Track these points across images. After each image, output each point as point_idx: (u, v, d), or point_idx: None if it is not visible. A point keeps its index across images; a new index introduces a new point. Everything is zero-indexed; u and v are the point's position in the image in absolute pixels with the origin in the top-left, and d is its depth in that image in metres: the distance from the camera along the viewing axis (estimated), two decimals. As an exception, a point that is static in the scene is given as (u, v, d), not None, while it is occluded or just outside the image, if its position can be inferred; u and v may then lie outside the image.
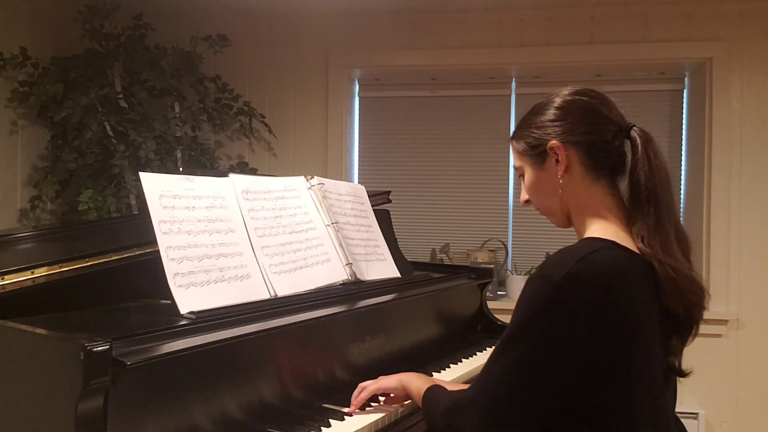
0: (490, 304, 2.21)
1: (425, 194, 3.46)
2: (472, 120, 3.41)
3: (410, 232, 3.40)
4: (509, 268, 3.33)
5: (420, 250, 3.39)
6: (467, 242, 3.40)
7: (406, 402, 1.37)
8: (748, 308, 3.00)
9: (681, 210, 3.24)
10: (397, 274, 1.85)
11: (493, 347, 1.08)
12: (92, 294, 1.37)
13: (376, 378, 1.38)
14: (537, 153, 1.16)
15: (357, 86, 3.52)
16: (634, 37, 3.11)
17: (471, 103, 3.42)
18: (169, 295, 1.23)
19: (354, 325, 1.52)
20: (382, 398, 1.41)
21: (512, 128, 1.27)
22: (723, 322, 3.00)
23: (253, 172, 3.20)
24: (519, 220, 3.35)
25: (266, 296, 1.40)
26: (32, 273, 1.23)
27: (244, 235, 1.44)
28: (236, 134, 3.43)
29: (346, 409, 1.33)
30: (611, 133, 1.13)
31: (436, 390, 1.24)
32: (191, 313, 1.22)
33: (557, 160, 1.14)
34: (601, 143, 1.12)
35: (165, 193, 1.33)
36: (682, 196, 3.25)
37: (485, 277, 2.17)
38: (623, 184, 1.14)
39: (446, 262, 3.26)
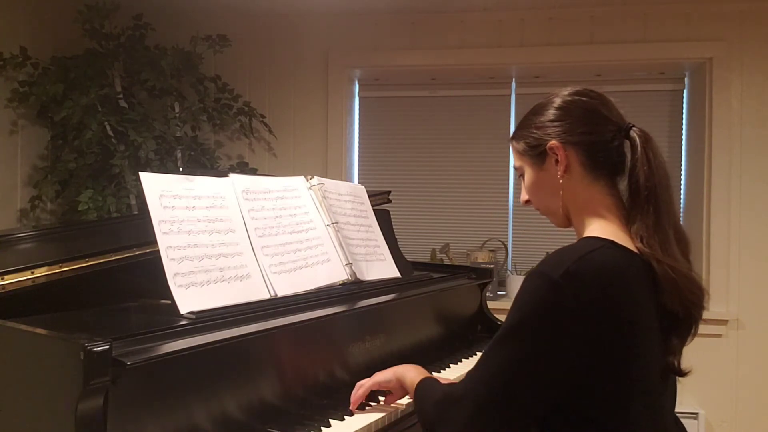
0: (490, 304, 2.21)
1: (425, 194, 3.46)
2: (472, 120, 3.41)
3: (410, 232, 3.40)
4: (509, 268, 3.33)
5: (420, 250, 3.39)
6: (467, 242, 3.40)
7: (406, 399, 1.37)
8: (748, 308, 3.00)
9: (681, 210, 3.24)
10: (397, 274, 1.85)
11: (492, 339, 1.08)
12: (92, 294, 1.37)
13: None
14: (537, 153, 1.17)
15: (357, 86, 3.52)
16: (634, 37, 3.11)
17: (471, 103, 3.42)
18: (169, 295, 1.23)
19: (354, 325, 1.52)
20: (382, 398, 1.41)
21: (512, 128, 1.27)
22: (723, 322, 3.00)
23: (253, 172, 3.21)
24: (519, 220, 3.35)
25: (266, 296, 1.40)
26: (32, 273, 1.23)
27: (244, 235, 1.44)
28: (236, 134, 3.43)
29: (346, 409, 1.34)
30: (611, 133, 1.13)
31: (428, 382, 1.24)
32: (191, 313, 1.22)
33: (557, 161, 1.14)
34: (600, 143, 1.13)
35: (165, 193, 1.33)
36: (682, 196, 3.25)
37: (485, 277, 2.17)
38: (622, 184, 1.14)
39: (446, 262, 3.26)
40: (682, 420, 1.20)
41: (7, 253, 1.58)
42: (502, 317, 2.12)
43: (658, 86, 3.25)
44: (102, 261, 1.32)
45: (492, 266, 2.38)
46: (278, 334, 1.28)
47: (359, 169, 3.54)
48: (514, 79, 3.37)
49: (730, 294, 3.00)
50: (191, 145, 3.16)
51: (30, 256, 1.61)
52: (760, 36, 3.00)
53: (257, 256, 1.43)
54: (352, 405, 1.33)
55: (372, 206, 1.94)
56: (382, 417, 1.33)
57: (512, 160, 1.27)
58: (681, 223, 1.14)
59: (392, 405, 1.38)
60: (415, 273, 2.05)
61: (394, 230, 2.11)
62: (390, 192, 2.26)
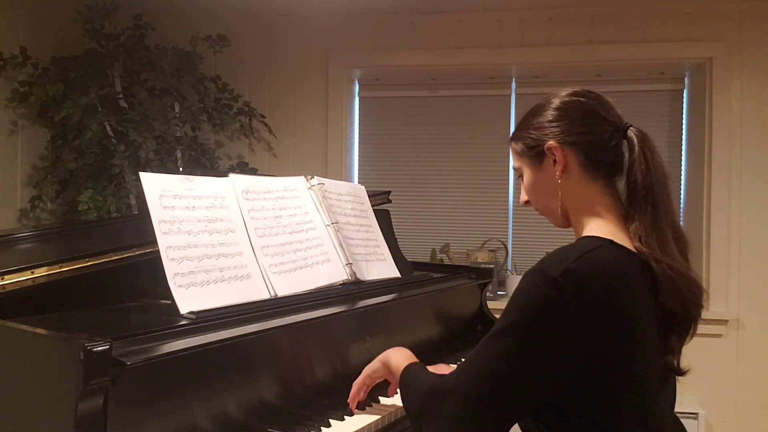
0: (490, 304, 2.21)
1: (425, 194, 3.46)
2: (472, 120, 3.41)
3: (410, 232, 3.40)
4: (509, 268, 3.33)
5: (420, 250, 3.39)
6: (467, 242, 3.40)
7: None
8: (748, 308, 3.00)
9: (681, 210, 3.24)
10: (397, 274, 1.85)
11: (487, 333, 1.07)
12: (92, 294, 1.37)
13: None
14: (535, 154, 1.17)
15: (357, 86, 3.52)
16: (634, 37, 3.11)
17: (471, 103, 3.42)
18: (169, 295, 1.23)
19: (354, 325, 1.52)
20: (382, 399, 1.41)
21: (512, 128, 1.27)
22: (723, 322, 3.00)
23: (253, 172, 3.21)
24: (519, 220, 3.35)
25: (266, 296, 1.40)
26: (32, 273, 1.23)
27: (244, 235, 1.44)
28: (236, 134, 3.43)
29: (346, 409, 1.34)
30: (608, 133, 1.13)
31: (414, 369, 1.22)
32: (191, 313, 1.22)
33: (555, 161, 1.14)
34: (598, 143, 1.13)
35: (165, 193, 1.33)
36: (682, 196, 3.25)
37: (485, 277, 2.17)
38: (621, 184, 1.15)
39: (446, 262, 3.26)
40: (682, 420, 1.20)
41: (7, 253, 1.58)
42: (502, 317, 2.13)
43: (658, 86, 3.25)
44: (102, 261, 1.32)
45: (492, 266, 2.38)
46: (278, 334, 1.29)
47: (359, 169, 3.54)
48: (514, 79, 3.37)
49: (730, 294, 3.00)
50: (191, 145, 3.16)
51: (30, 256, 1.61)
52: (760, 36, 3.00)
53: (257, 256, 1.44)
54: (350, 405, 1.33)
55: (372, 206, 1.94)
56: (382, 417, 1.33)
57: (512, 161, 1.27)
58: (679, 222, 1.14)
59: (393, 405, 1.38)
60: (415, 273, 2.05)
61: (394, 230, 2.10)
62: (390, 192, 2.26)
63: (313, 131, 3.41)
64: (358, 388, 1.34)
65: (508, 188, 3.37)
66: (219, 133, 3.45)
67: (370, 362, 1.34)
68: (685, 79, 3.24)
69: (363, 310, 1.56)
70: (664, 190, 1.10)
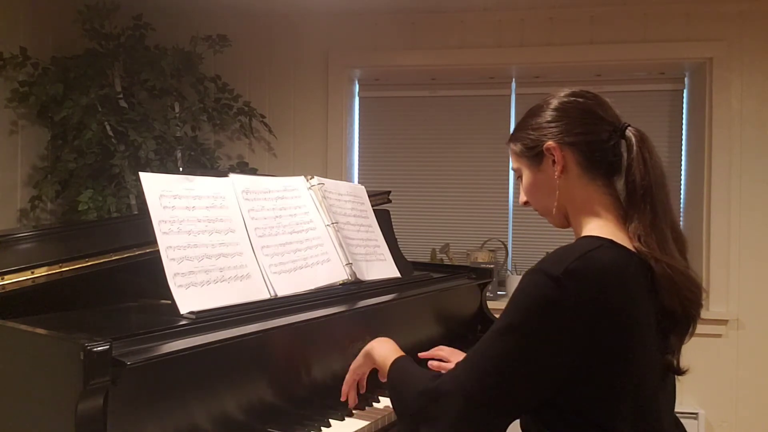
0: (490, 304, 2.21)
1: (425, 194, 3.46)
2: (472, 120, 3.41)
3: (410, 232, 3.40)
4: (509, 268, 3.33)
5: (420, 250, 3.39)
6: (467, 242, 3.40)
7: None
8: (748, 308, 3.00)
9: (681, 210, 3.24)
10: (397, 274, 1.85)
11: (487, 331, 1.06)
12: (92, 294, 1.37)
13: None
14: (534, 154, 1.18)
15: (357, 86, 3.52)
16: (634, 37, 3.11)
17: (471, 103, 3.42)
18: (169, 295, 1.23)
19: (354, 325, 1.52)
20: (383, 399, 1.41)
21: (512, 128, 1.27)
22: (723, 322, 3.00)
23: (253, 172, 3.21)
24: (519, 220, 3.35)
25: (266, 296, 1.40)
26: (32, 273, 1.23)
27: (244, 235, 1.44)
28: (236, 134, 3.43)
29: (346, 409, 1.34)
30: (606, 133, 1.14)
31: (404, 364, 1.21)
32: (191, 313, 1.22)
33: (554, 161, 1.15)
34: (596, 143, 1.14)
35: (165, 193, 1.33)
36: (682, 196, 3.25)
37: (485, 277, 2.17)
38: (619, 184, 1.15)
39: (446, 262, 3.26)
40: (682, 420, 1.20)
41: (7, 253, 1.58)
42: (502, 317, 2.13)
43: (658, 86, 3.25)
44: (102, 261, 1.32)
45: (492, 266, 2.38)
46: (278, 334, 1.28)
47: (359, 169, 3.54)
48: (514, 79, 3.37)
49: (730, 294, 3.00)
50: (191, 145, 3.16)
51: (30, 256, 1.61)
52: (760, 36, 3.00)
53: (257, 256, 1.44)
54: (349, 404, 1.34)
55: (372, 206, 1.94)
56: (383, 417, 1.33)
57: (511, 162, 1.27)
58: (678, 221, 1.14)
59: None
60: (415, 273, 2.05)
61: (394, 230, 2.10)
62: (390, 192, 2.26)
63: (313, 131, 3.41)
64: (347, 386, 1.35)
65: (508, 188, 3.37)
66: (219, 133, 3.45)
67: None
68: (685, 79, 3.24)
69: (363, 310, 1.56)
70: (662, 190, 1.10)
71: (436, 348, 1.65)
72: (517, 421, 1.11)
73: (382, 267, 1.82)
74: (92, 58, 3.00)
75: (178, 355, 1.07)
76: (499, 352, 1.01)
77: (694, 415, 2.94)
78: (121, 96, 2.97)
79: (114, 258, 1.34)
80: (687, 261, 1.12)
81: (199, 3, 3.28)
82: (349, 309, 1.53)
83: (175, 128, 3.03)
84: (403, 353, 1.26)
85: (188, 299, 1.24)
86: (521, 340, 1.00)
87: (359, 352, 1.36)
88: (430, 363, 1.57)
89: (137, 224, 1.65)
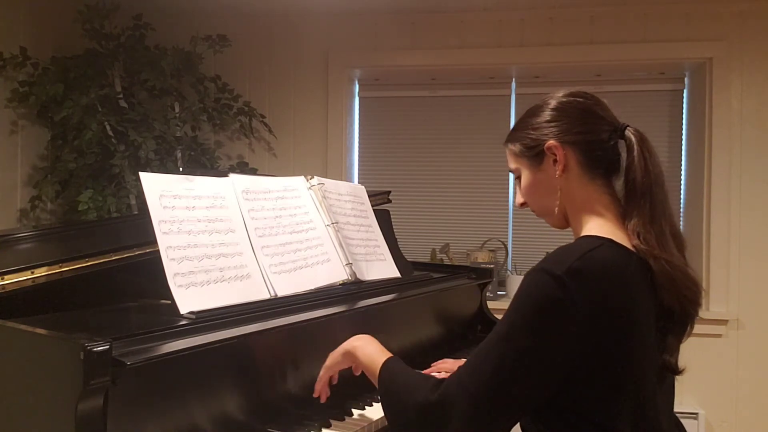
0: (490, 304, 2.21)
1: (425, 194, 3.46)
2: (472, 120, 3.41)
3: (410, 232, 3.40)
4: (509, 268, 3.33)
5: (420, 250, 3.39)
6: (467, 242, 3.40)
7: None
8: (748, 308, 3.00)
9: (681, 210, 3.24)
10: (397, 274, 1.85)
11: (489, 334, 1.06)
12: (92, 294, 1.37)
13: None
14: (534, 154, 1.17)
15: (357, 86, 3.52)
16: (634, 37, 3.11)
17: (471, 103, 3.42)
18: (169, 295, 1.23)
19: (354, 325, 1.52)
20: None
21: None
22: (723, 322, 3.00)
23: (253, 172, 3.21)
24: (519, 220, 3.35)
25: (266, 296, 1.40)
26: (32, 273, 1.23)
27: (244, 235, 1.44)
28: (236, 134, 3.43)
29: (346, 409, 1.33)
30: (606, 133, 1.14)
31: (398, 368, 1.18)
32: (191, 313, 1.22)
33: (555, 160, 1.15)
34: (597, 142, 1.14)
35: (165, 193, 1.33)
36: (682, 196, 3.25)
37: (485, 277, 2.17)
38: (618, 183, 1.15)
39: (446, 262, 3.26)
40: (682, 420, 1.20)
41: (7, 253, 1.58)
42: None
43: (658, 86, 3.25)
44: (102, 261, 1.33)
45: (492, 266, 2.38)
46: (278, 334, 1.29)
47: (359, 169, 3.54)
48: (514, 79, 3.37)
49: (730, 294, 3.00)
50: (191, 145, 3.16)
51: (30, 256, 1.61)
52: (760, 36, 3.00)
53: (257, 256, 1.44)
54: (323, 398, 1.31)
55: (372, 206, 1.94)
56: (383, 417, 1.33)
57: (509, 163, 1.26)
58: (676, 220, 1.15)
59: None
60: (415, 273, 2.05)
61: (394, 230, 2.10)
62: (390, 192, 2.26)
63: (313, 131, 3.41)
64: (323, 384, 1.30)
65: (507, 188, 3.37)
66: (219, 133, 3.45)
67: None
68: (685, 79, 3.24)
69: (363, 310, 1.56)
70: (662, 189, 1.11)
71: (440, 362, 1.65)
72: (517, 421, 1.11)
73: (382, 267, 1.82)
74: (92, 58, 3.00)
75: (178, 355, 1.07)
76: (504, 353, 1.01)
77: (694, 415, 2.94)
78: (121, 96, 2.97)
79: (114, 258, 1.34)
80: (685, 258, 1.12)
81: (199, 3, 3.28)
82: (349, 309, 1.53)
83: (175, 128, 3.03)
84: (389, 353, 1.23)
85: (188, 299, 1.24)
86: (526, 340, 0.99)
87: None
88: (438, 377, 1.57)
89: (137, 224, 1.65)
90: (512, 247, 3.38)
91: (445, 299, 1.99)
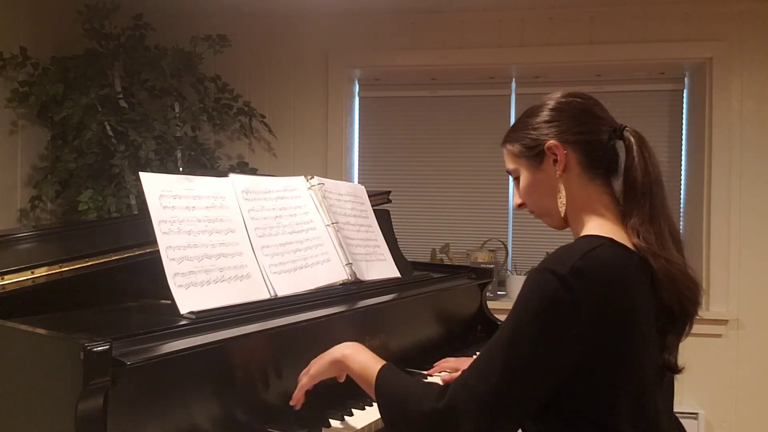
0: (490, 304, 2.21)
1: (425, 194, 3.46)
2: (472, 120, 3.41)
3: (410, 232, 3.40)
4: (509, 268, 3.33)
5: (420, 250, 3.39)
6: (467, 242, 3.40)
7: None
8: (748, 308, 3.00)
9: (681, 210, 3.24)
10: (397, 274, 1.85)
11: (493, 337, 1.05)
12: (92, 294, 1.37)
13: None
14: (534, 154, 1.17)
15: (357, 86, 3.52)
16: (634, 37, 3.11)
17: (471, 103, 3.42)
18: (169, 295, 1.23)
19: (354, 325, 1.52)
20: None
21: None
22: (723, 322, 3.00)
23: (253, 172, 3.21)
24: (519, 220, 3.35)
25: (266, 296, 1.40)
26: (32, 273, 1.23)
27: (244, 235, 1.44)
28: (236, 134, 3.43)
29: (346, 409, 1.33)
30: (606, 134, 1.15)
31: (396, 376, 1.15)
32: (191, 313, 1.22)
33: (555, 160, 1.15)
34: (596, 142, 1.14)
35: (165, 193, 1.33)
36: (682, 196, 3.25)
37: (485, 277, 2.17)
38: (617, 183, 1.16)
39: (446, 262, 3.26)
40: (682, 420, 1.20)
41: (7, 253, 1.58)
42: (503, 317, 2.12)
43: (658, 86, 3.25)
44: (102, 261, 1.32)
45: (492, 266, 2.38)
46: (278, 334, 1.28)
47: (359, 169, 3.54)
48: (514, 79, 3.37)
49: (730, 294, 3.00)
50: (191, 145, 3.16)
51: (30, 256, 1.61)
52: (760, 36, 3.00)
53: (257, 256, 1.43)
54: (298, 406, 1.26)
55: (372, 206, 1.94)
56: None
57: (507, 164, 1.26)
58: (675, 220, 1.15)
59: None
60: (415, 273, 2.05)
61: (394, 230, 2.10)
62: (390, 192, 2.26)
63: (313, 131, 3.41)
64: (303, 392, 1.26)
65: (507, 188, 3.37)
66: (219, 133, 3.45)
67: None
68: (685, 79, 3.24)
69: (363, 310, 1.56)
70: (661, 189, 1.12)
71: (442, 361, 1.65)
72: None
73: (382, 267, 1.82)
74: (92, 58, 2.99)
75: (178, 355, 1.07)
76: (512, 353, 1.00)
77: (694, 415, 2.94)
78: (121, 96, 2.97)
79: (114, 258, 1.34)
80: (684, 257, 1.12)
81: (199, 3, 3.28)
82: (349, 309, 1.53)
83: (175, 128, 3.03)
84: (382, 360, 1.20)
85: (188, 299, 1.24)
86: (532, 339, 0.99)
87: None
88: (443, 377, 1.57)
89: (137, 224, 1.65)
90: (512, 247, 3.38)
91: (445, 299, 1.99)
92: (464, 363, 1.63)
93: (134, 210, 2.89)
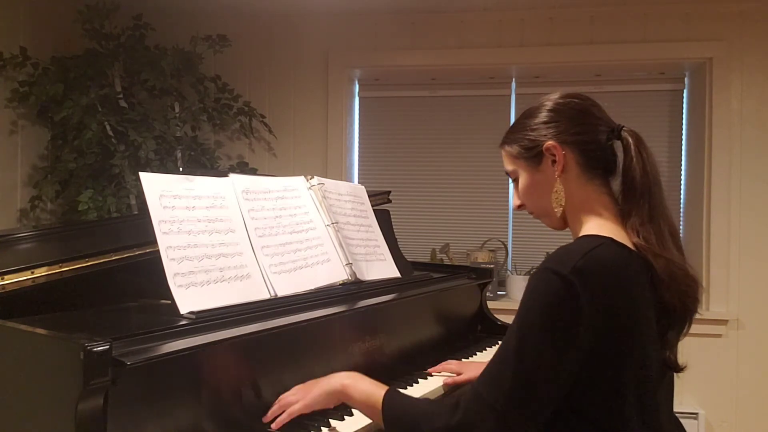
0: (490, 304, 2.21)
1: (425, 194, 3.46)
2: (472, 120, 3.41)
3: (410, 232, 3.40)
4: (509, 268, 3.33)
5: (420, 250, 3.39)
6: (467, 242, 3.40)
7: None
8: (748, 308, 3.00)
9: (681, 210, 3.24)
10: (397, 274, 1.85)
11: (498, 346, 1.05)
12: (92, 294, 1.37)
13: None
14: (532, 155, 1.18)
15: (357, 86, 3.52)
16: (634, 37, 3.11)
17: (471, 103, 3.42)
18: (169, 295, 1.23)
19: (354, 325, 1.52)
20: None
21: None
22: (723, 322, 3.00)
23: (253, 172, 3.21)
24: (519, 220, 3.35)
25: (266, 296, 1.40)
26: (32, 273, 1.23)
27: (244, 235, 1.44)
28: (236, 134, 3.43)
29: (345, 409, 1.33)
30: (604, 134, 1.15)
31: (403, 399, 1.15)
32: (191, 313, 1.22)
33: (553, 161, 1.15)
34: (595, 143, 1.15)
35: (165, 193, 1.33)
36: (682, 196, 3.25)
37: (485, 277, 2.17)
38: (615, 183, 1.16)
39: (446, 262, 3.26)
40: (682, 420, 1.20)
41: (7, 253, 1.58)
42: (503, 317, 2.14)
43: (658, 86, 3.25)
44: (102, 261, 1.32)
45: (492, 266, 2.38)
46: (278, 334, 1.28)
47: (359, 169, 3.54)
48: (514, 79, 3.37)
49: (730, 294, 3.00)
50: (191, 145, 3.16)
51: (30, 256, 1.61)
52: (760, 36, 3.00)
53: (257, 256, 1.43)
54: (277, 426, 1.20)
55: (372, 206, 1.94)
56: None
57: (505, 165, 1.26)
58: (673, 218, 1.15)
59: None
60: (415, 273, 2.05)
61: (394, 230, 2.10)
62: (390, 192, 2.26)
63: (313, 131, 3.41)
64: (289, 417, 1.20)
65: (507, 188, 3.37)
66: (219, 133, 3.45)
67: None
68: (685, 79, 3.24)
69: (363, 310, 1.56)
70: (659, 188, 1.12)
71: (444, 363, 1.65)
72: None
73: (382, 267, 1.82)
74: (92, 58, 3.00)
75: (178, 355, 1.07)
76: (522, 359, 0.99)
77: (694, 415, 2.94)
78: (121, 96, 2.97)
79: (114, 258, 1.34)
80: (683, 255, 1.12)
81: (199, 3, 3.28)
82: (349, 309, 1.53)
83: (175, 128, 3.03)
84: (384, 386, 1.18)
85: (188, 299, 1.24)
86: (540, 343, 0.99)
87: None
88: (445, 380, 1.57)
89: (137, 224, 1.65)
90: (512, 247, 3.38)
91: (445, 299, 1.99)
92: (466, 366, 1.63)
93: (134, 210, 2.89)
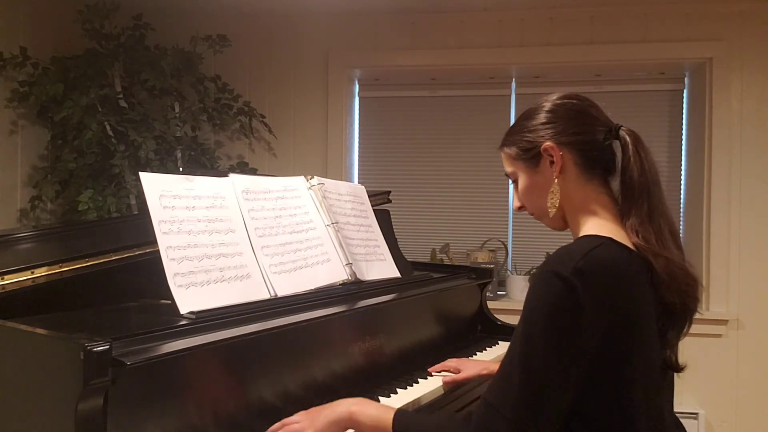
0: (490, 304, 2.21)
1: (425, 194, 3.46)
2: (472, 120, 3.41)
3: (410, 232, 3.40)
4: (509, 268, 3.33)
5: (420, 250, 3.39)
6: (467, 242, 3.40)
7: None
8: (748, 308, 3.00)
9: (681, 210, 3.24)
10: (397, 274, 1.85)
11: (504, 354, 1.04)
12: (92, 294, 1.37)
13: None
14: (531, 156, 1.18)
15: (357, 86, 3.52)
16: (634, 37, 3.11)
17: (471, 103, 3.42)
18: (169, 295, 1.23)
19: (354, 325, 1.52)
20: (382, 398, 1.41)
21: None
22: (723, 322, 3.00)
23: (253, 172, 3.21)
24: (519, 220, 3.35)
25: (266, 296, 1.40)
26: (32, 273, 1.23)
27: (244, 235, 1.44)
28: (236, 134, 3.43)
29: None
30: (602, 134, 1.15)
31: (415, 417, 1.15)
32: (191, 313, 1.22)
33: (551, 162, 1.15)
34: (593, 143, 1.15)
35: (165, 193, 1.33)
36: (682, 196, 3.25)
37: (485, 277, 2.17)
38: (614, 183, 1.16)
39: (446, 262, 3.26)
40: (682, 420, 1.20)
41: (7, 253, 1.58)
42: (503, 317, 2.14)
43: (658, 86, 3.25)
44: (102, 261, 1.32)
45: (492, 266, 2.38)
46: (278, 334, 1.28)
47: (359, 169, 3.54)
48: (514, 79, 3.37)
49: (730, 294, 3.00)
50: (191, 145, 3.16)
51: (30, 256, 1.61)
52: (760, 36, 3.00)
53: (257, 256, 1.43)
54: None
55: (372, 206, 1.94)
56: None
57: (505, 167, 1.26)
58: (672, 217, 1.15)
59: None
60: (415, 273, 2.05)
61: (394, 230, 2.10)
62: (390, 192, 2.26)
63: (313, 131, 3.41)
64: None
65: (507, 188, 3.37)
66: (219, 133, 3.45)
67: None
68: (685, 79, 3.24)
69: (363, 310, 1.56)
70: (658, 188, 1.12)
71: (445, 361, 1.65)
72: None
73: (382, 267, 1.82)
74: (92, 58, 3.00)
75: (178, 355, 1.07)
76: (529, 364, 0.99)
77: (694, 415, 2.94)
78: (121, 96, 2.98)
79: (114, 258, 1.34)
80: (683, 253, 1.12)
81: (199, 3, 3.28)
82: (349, 309, 1.53)
83: (175, 128, 3.04)
84: (392, 407, 1.17)
85: (188, 299, 1.24)
86: (546, 346, 0.98)
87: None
88: (444, 379, 1.57)
89: (137, 224, 1.65)
90: (512, 247, 3.38)
91: (445, 299, 1.99)
92: (466, 364, 1.63)
93: (134, 210, 2.89)
